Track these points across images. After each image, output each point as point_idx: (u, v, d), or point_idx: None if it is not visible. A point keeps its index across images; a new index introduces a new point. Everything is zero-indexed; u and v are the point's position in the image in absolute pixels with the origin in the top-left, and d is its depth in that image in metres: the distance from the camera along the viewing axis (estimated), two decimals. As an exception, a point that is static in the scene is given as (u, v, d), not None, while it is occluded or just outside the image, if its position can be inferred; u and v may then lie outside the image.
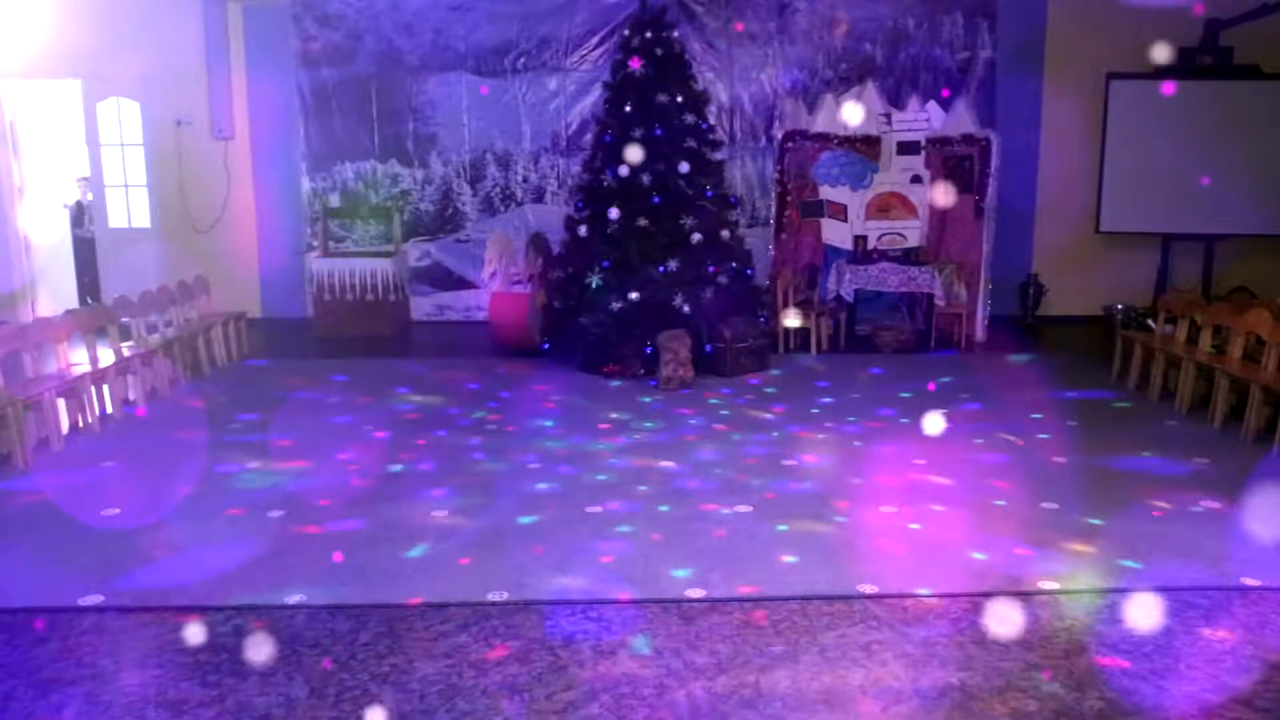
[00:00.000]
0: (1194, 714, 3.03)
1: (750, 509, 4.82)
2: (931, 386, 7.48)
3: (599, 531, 4.54)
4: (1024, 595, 3.84)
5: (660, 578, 4.01)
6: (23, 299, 10.47)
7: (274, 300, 10.82)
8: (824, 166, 9.62)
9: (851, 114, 9.20)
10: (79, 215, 11.39)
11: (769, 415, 6.71)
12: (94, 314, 7.09)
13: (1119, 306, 10.22)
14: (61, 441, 5.94)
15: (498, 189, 10.70)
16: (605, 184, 8.03)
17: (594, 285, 7.79)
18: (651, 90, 7.97)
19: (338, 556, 4.21)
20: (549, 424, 6.45)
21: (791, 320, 8.84)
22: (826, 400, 7.13)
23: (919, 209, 9.56)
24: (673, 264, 7.77)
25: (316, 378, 7.82)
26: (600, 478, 5.34)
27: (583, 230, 8.13)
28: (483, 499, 4.99)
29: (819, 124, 9.66)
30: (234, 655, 3.38)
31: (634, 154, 7.76)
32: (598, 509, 4.82)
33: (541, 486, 5.18)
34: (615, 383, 7.63)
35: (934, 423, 5.95)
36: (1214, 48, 10.14)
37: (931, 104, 9.67)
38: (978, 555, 4.23)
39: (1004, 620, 3.63)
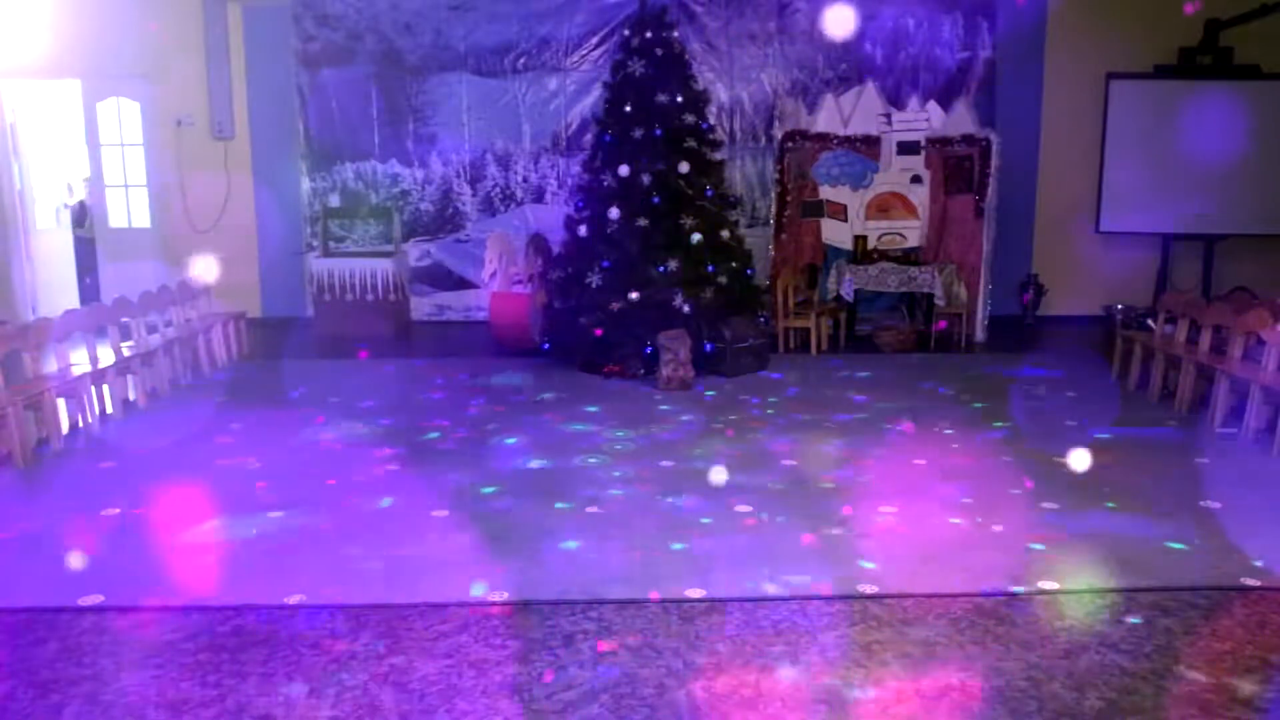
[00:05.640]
0: (1194, 714, 3.03)
1: (749, 508, 4.82)
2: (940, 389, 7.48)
3: (597, 531, 4.54)
4: (1024, 595, 3.85)
5: (659, 577, 4.01)
6: (23, 299, 10.48)
7: (274, 300, 10.83)
8: (824, 166, 9.63)
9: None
10: (80, 215, 11.40)
11: (768, 415, 6.70)
12: (94, 314, 7.09)
13: (1119, 306, 10.23)
14: (61, 441, 5.94)
15: (498, 189, 10.70)
16: (605, 184, 8.03)
17: (594, 285, 7.79)
18: (651, 90, 7.97)
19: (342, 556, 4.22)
20: (548, 424, 6.45)
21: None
22: (825, 401, 7.12)
23: (919, 209, 9.57)
24: (673, 264, 7.77)
25: (316, 377, 7.82)
26: (598, 477, 5.34)
27: (583, 230, 8.13)
28: (481, 498, 4.99)
29: (819, 124, 9.67)
30: (234, 655, 3.38)
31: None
32: (596, 509, 4.82)
33: (539, 486, 5.18)
34: (615, 383, 7.63)
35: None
36: (1214, 48, 10.15)
37: (932, 104, 9.68)
38: (977, 555, 4.23)
39: (1004, 620, 3.63)
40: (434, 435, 6.18)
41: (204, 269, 6.55)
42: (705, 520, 4.67)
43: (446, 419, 6.56)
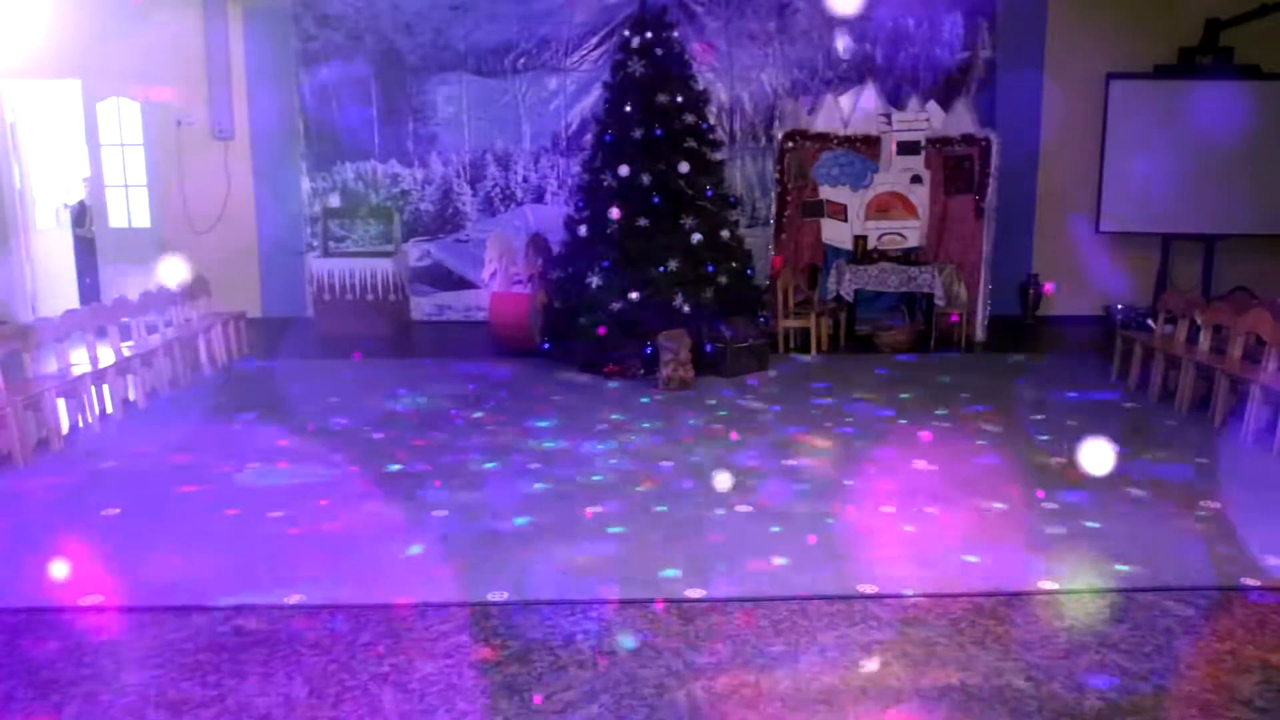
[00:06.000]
0: (1194, 714, 3.03)
1: (750, 509, 4.82)
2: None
3: (598, 531, 4.54)
4: (1024, 595, 3.85)
5: (660, 578, 4.01)
6: (23, 299, 10.48)
7: (274, 300, 10.82)
8: (824, 166, 9.63)
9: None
10: (80, 215, 11.39)
11: (768, 416, 6.70)
12: (94, 314, 7.09)
13: (1119, 306, 10.23)
14: (61, 441, 5.94)
15: (498, 189, 10.70)
16: (605, 184, 8.02)
17: (594, 285, 7.79)
18: (651, 90, 7.97)
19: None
20: (548, 424, 6.44)
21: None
22: (825, 401, 7.13)
23: (919, 209, 9.57)
24: (673, 264, 7.77)
25: (315, 377, 7.81)
26: (599, 478, 5.34)
27: (583, 230, 8.13)
28: (481, 499, 4.98)
29: (819, 124, 9.67)
30: (234, 655, 3.38)
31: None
32: (597, 509, 4.82)
33: (540, 487, 5.18)
34: (615, 383, 7.63)
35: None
36: (1214, 48, 10.15)
37: (932, 104, 9.67)
38: (977, 555, 4.23)
39: (1004, 620, 3.63)
40: (432, 436, 6.18)
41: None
42: (704, 520, 4.67)
43: (443, 419, 6.56)
